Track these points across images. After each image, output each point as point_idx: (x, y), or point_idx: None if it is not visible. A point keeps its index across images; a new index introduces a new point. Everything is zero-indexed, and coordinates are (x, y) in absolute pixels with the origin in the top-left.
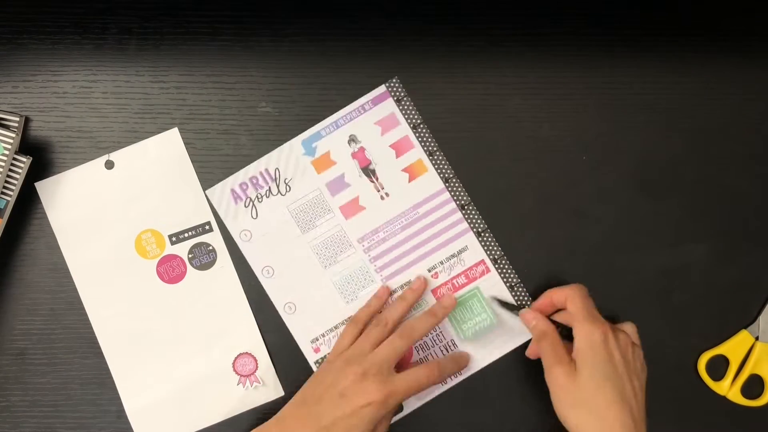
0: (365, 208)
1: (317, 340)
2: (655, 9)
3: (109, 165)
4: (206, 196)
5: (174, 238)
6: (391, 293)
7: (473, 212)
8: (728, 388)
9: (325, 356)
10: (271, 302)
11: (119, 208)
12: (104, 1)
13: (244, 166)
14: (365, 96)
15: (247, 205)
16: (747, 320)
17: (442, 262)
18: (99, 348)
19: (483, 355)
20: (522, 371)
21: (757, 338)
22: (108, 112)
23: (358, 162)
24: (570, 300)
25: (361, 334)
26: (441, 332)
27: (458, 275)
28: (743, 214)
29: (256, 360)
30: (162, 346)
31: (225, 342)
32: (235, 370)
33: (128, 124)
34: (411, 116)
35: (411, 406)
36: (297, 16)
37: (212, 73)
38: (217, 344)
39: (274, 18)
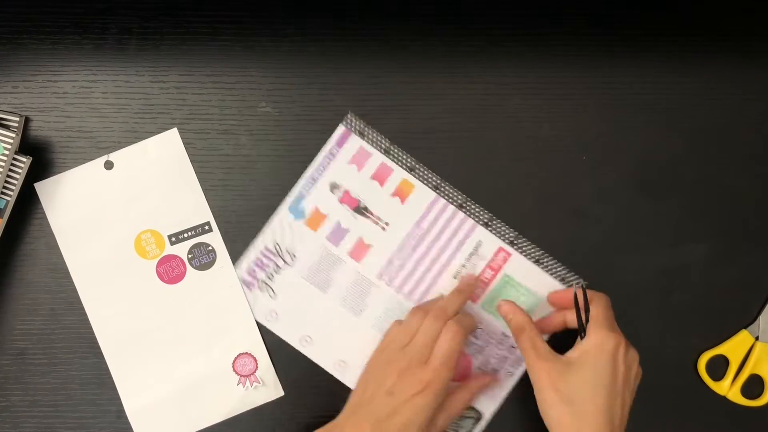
0: (372, 245)
1: None
2: (655, 9)
3: (109, 165)
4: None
5: (173, 239)
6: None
7: (474, 207)
8: (728, 388)
9: None
10: None
11: (119, 208)
12: (104, 1)
13: (243, 166)
14: (328, 142)
15: (261, 288)
16: (747, 320)
17: (464, 265)
18: (99, 348)
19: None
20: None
21: (757, 338)
22: (108, 112)
23: (347, 205)
24: (596, 303)
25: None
26: (489, 330)
27: (483, 270)
28: (743, 214)
29: (255, 360)
30: (162, 346)
31: (225, 342)
32: (234, 370)
33: (128, 124)
34: (379, 143)
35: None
36: (297, 16)
37: (212, 73)
38: (217, 344)
39: (274, 18)
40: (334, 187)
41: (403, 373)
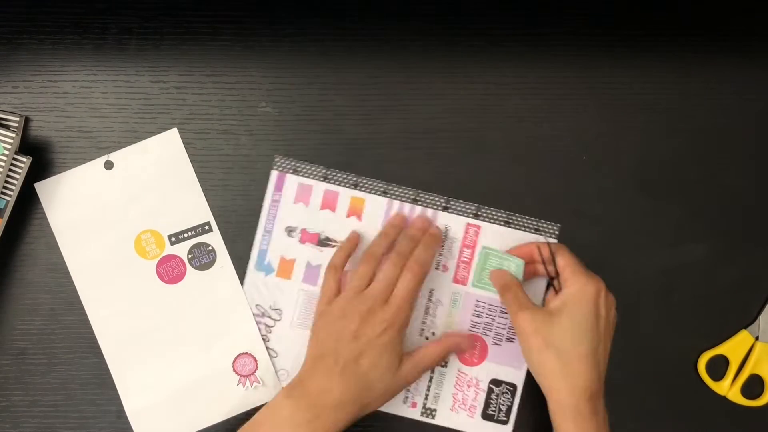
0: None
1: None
2: (655, 9)
3: (109, 165)
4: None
5: (173, 239)
6: (360, 236)
7: (427, 196)
8: (728, 388)
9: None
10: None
11: (119, 208)
12: (104, 1)
13: (243, 166)
14: (267, 192)
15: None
16: (747, 320)
17: (441, 254)
18: (99, 348)
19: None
20: None
21: (757, 338)
22: (108, 112)
23: (310, 243)
24: (560, 254)
25: (339, 279)
26: (490, 305)
27: (461, 251)
28: (743, 214)
29: (255, 360)
30: (162, 347)
31: (225, 342)
32: (235, 371)
33: (128, 124)
34: (315, 174)
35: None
36: (297, 16)
37: (212, 73)
38: (217, 344)
39: (274, 18)
40: (290, 230)
41: (366, 316)
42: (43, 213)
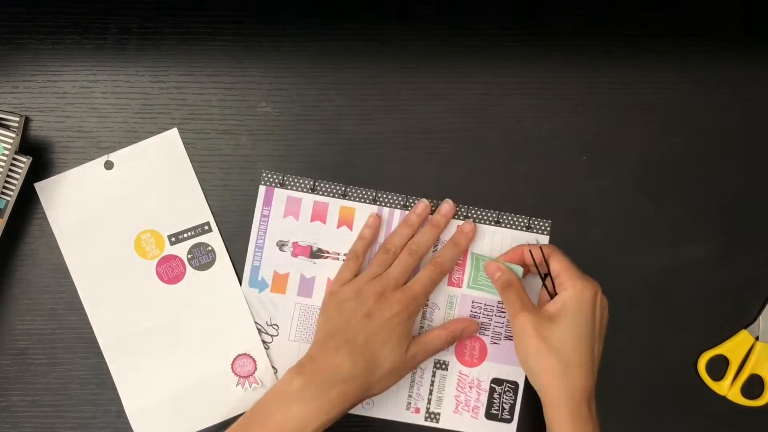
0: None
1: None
2: (655, 9)
3: (109, 165)
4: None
5: (173, 239)
6: (380, 220)
7: (416, 202)
8: (728, 388)
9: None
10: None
11: (119, 208)
12: (104, 1)
13: (243, 166)
14: (256, 208)
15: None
16: (747, 320)
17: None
18: (99, 348)
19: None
20: None
21: (757, 338)
22: (108, 112)
23: (302, 256)
24: (554, 257)
25: (360, 267)
26: (485, 306)
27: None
28: (743, 214)
29: (254, 361)
30: (162, 347)
31: (224, 342)
32: (233, 371)
33: (128, 124)
34: (302, 186)
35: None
36: (297, 16)
37: (212, 73)
38: (216, 345)
39: (274, 18)
40: (281, 245)
41: (380, 297)
42: (43, 213)
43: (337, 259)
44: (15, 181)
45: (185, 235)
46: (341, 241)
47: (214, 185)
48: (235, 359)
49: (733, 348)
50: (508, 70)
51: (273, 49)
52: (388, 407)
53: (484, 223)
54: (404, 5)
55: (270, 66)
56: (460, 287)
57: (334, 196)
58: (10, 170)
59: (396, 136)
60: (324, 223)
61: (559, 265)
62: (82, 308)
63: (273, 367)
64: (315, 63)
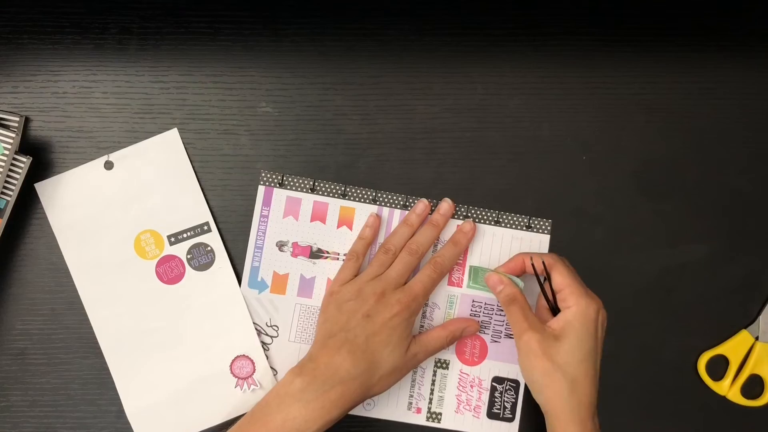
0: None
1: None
2: (655, 9)
3: (109, 165)
4: None
5: (173, 239)
6: (380, 220)
7: (416, 202)
8: (728, 388)
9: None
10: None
11: (119, 208)
12: (104, 1)
13: (243, 166)
14: (255, 208)
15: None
16: (747, 320)
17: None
18: (99, 348)
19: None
20: None
21: (757, 338)
22: (108, 112)
23: (302, 256)
24: (556, 270)
25: (359, 267)
26: (485, 304)
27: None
28: (743, 214)
29: (253, 363)
30: (161, 347)
31: (223, 344)
32: (232, 373)
33: (128, 124)
34: (302, 186)
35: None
36: (297, 16)
37: (212, 73)
38: (215, 346)
39: (274, 18)
40: (281, 245)
41: (380, 297)
42: (43, 213)
43: (337, 259)
44: (15, 181)
45: (185, 236)
46: (341, 241)
47: (214, 185)
48: (233, 360)
49: (733, 348)
50: (508, 70)
51: (273, 49)
52: (389, 407)
53: (484, 223)
54: (404, 5)
55: (270, 66)
56: (460, 287)
57: (333, 196)
58: (10, 170)
59: (396, 136)
60: (324, 223)
61: (562, 280)
62: (82, 308)
63: (273, 368)
64: (315, 63)
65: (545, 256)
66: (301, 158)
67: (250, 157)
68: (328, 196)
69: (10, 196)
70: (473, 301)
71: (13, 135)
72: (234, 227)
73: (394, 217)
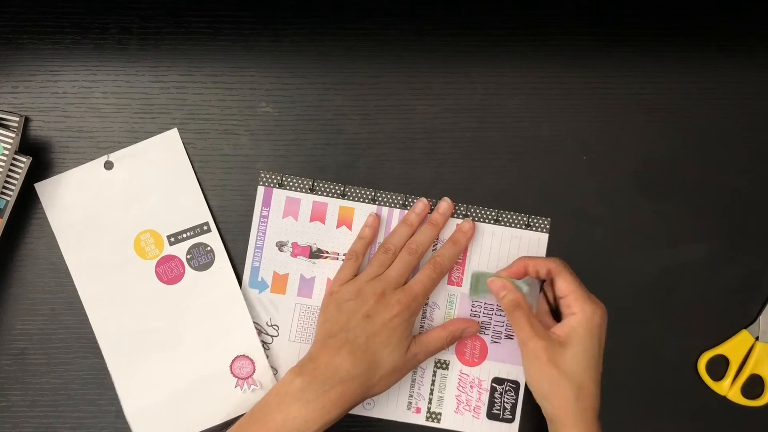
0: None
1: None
2: (655, 9)
3: (109, 165)
4: None
5: (172, 239)
6: (380, 219)
7: (415, 201)
8: (728, 388)
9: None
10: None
11: (119, 208)
12: (104, 1)
13: (243, 166)
14: (255, 209)
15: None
16: (747, 320)
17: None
18: (99, 348)
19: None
20: None
21: (757, 338)
22: (108, 112)
23: (302, 256)
24: (560, 276)
25: (359, 267)
26: (485, 304)
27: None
28: (743, 214)
29: (253, 363)
30: (161, 347)
31: (223, 344)
32: (232, 373)
33: (128, 124)
34: (301, 187)
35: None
36: (297, 16)
37: (212, 73)
38: (215, 346)
39: (274, 18)
40: (281, 245)
41: (380, 297)
42: (43, 213)
43: (337, 259)
44: (15, 181)
45: (184, 236)
46: (341, 241)
47: (213, 185)
48: (233, 360)
49: (733, 348)
50: (508, 70)
51: (273, 49)
52: (389, 407)
53: (484, 222)
54: (404, 5)
55: (270, 66)
56: (460, 286)
57: (333, 196)
58: (10, 170)
59: (396, 136)
60: (323, 223)
61: (566, 286)
62: (82, 308)
63: (273, 367)
64: (315, 63)
65: (549, 261)
66: (301, 158)
67: (250, 157)
68: (327, 196)
69: (10, 196)
70: (473, 301)
71: (13, 135)
72: (234, 227)
73: (393, 217)
